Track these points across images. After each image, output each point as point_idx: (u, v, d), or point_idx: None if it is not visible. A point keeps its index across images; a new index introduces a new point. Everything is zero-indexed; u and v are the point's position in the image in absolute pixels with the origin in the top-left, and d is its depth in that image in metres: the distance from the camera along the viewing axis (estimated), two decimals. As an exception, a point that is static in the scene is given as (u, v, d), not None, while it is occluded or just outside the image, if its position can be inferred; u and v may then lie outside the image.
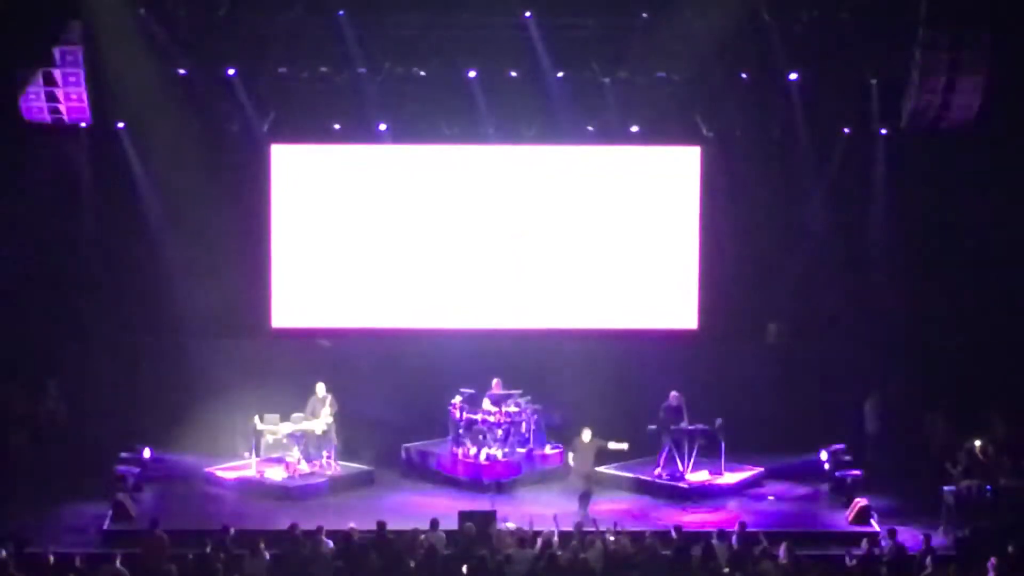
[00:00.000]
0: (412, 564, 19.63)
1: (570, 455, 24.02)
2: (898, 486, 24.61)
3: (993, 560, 19.11)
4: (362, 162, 27.32)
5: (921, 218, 26.88)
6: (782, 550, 19.86)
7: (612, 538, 20.45)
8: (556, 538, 20.31)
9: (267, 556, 19.85)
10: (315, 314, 27.40)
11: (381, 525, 20.52)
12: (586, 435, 23.68)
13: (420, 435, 26.39)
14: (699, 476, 24.87)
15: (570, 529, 20.92)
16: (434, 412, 26.08)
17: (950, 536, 22.26)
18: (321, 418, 25.04)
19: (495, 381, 25.62)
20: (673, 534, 20.68)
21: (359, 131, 26.97)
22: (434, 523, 20.87)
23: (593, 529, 20.86)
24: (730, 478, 25.09)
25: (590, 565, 19.56)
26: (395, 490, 24.89)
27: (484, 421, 25.17)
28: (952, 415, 25.75)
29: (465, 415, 25.28)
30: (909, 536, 21.10)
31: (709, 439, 24.93)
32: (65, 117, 24.72)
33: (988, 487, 22.91)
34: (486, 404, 25.35)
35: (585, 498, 23.23)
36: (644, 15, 25.27)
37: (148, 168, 26.70)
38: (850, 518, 23.14)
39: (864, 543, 20.62)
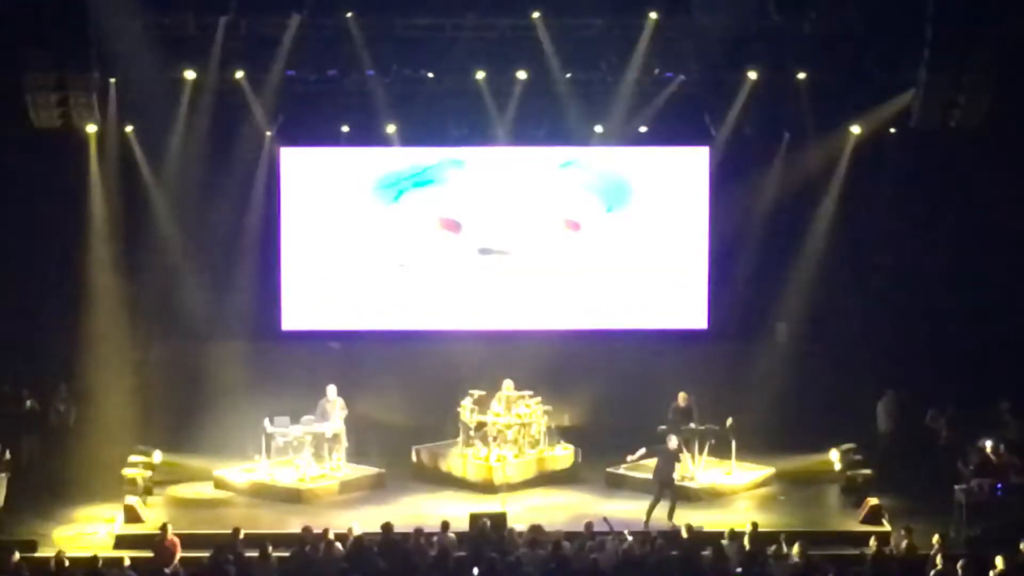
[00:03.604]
0: (423, 566, 19.63)
1: (639, 453, 23.94)
2: (909, 485, 24.56)
3: (999, 557, 19.11)
4: (371, 164, 27.33)
5: (930, 217, 26.82)
6: (794, 549, 19.84)
7: (630, 538, 20.45)
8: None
9: (274, 559, 19.84)
10: (325, 316, 27.43)
11: (387, 527, 20.53)
12: (672, 442, 23.48)
13: (430, 437, 26.37)
14: (710, 476, 24.83)
15: (580, 530, 20.92)
16: (444, 414, 26.06)
17: (962, 535, 22.23)
18: (331, 420, 25.05)
19: (506, 382, 25.61)
20: (684, 534, 20.69)
21: (368, 134, 26.99)
22: (445, 525, 20.87)
23: (604, 530, 20.84)
24: (741, 478, 25.05)
25: (601, 566, 19.56)
26: (405, 492, 24.86)
27: (494, 422, 25.13)
28: (963, 414, 25.70)
29: (475, 416, 25.27)
30: (921, 535, 21.02)
31: (719, 439, 24.91)
32: (74, 121, 24.71)
33: (999, 486, 22.86)
34: (496, 405, 25.34)
35: (673, 507, 23.01)
36: (652, 15, 25.24)
37: (157, 172, 26.73)
38: (861, 518, 23.10)
39: (872, 541, 20.59)
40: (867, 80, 25.83)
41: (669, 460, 23.31)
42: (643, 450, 24.06)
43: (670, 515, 22.77)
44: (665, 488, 23.14)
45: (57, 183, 26.21)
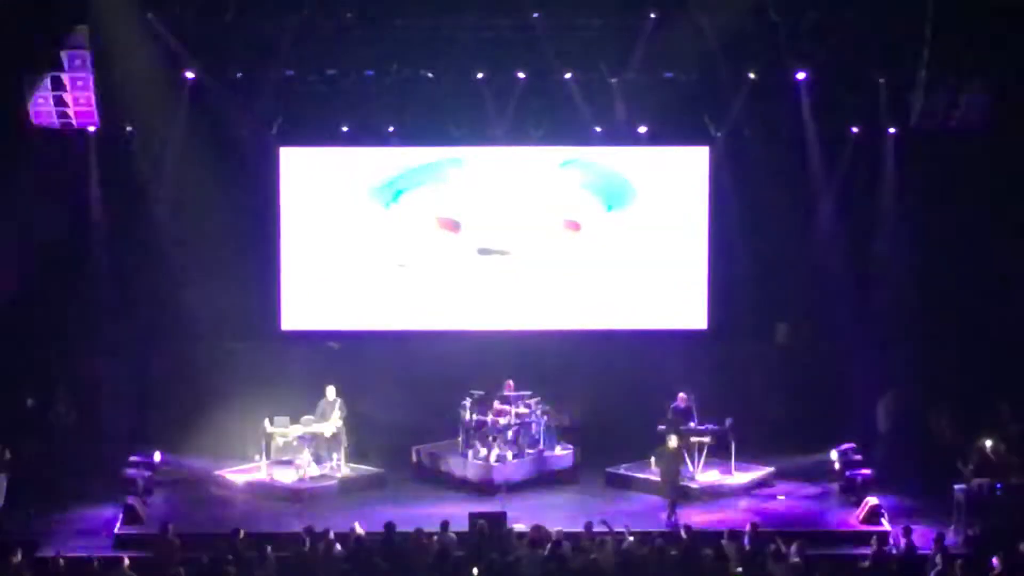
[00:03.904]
0: (422, 566, 19.63)
1: (652, 460, 23.89)
2: (909, 485, 24.56)
3: (996, 559, 19.11)
4: (370, 164, 27.32)
5: (930, 217, 26.81)
6: (793, 549, 19.84)
7: (630, 538, 20.44)
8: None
9: (274, 559, 19.85)
10: (325, 316, 27.42)
11: (389, 527, 20.53)
12: (673, 441, 23.52)
13: (430, 437, 26.37)
14: (709, 476, 24.83)
15: (580, 530, 20.92)
16: (444, 414, 26.05)
17: (961, 535, 22.23)
18: (331, 420, 25.07)
19: (507, 382, 25.63)
20: (683, 534, 20.70)
21: (367, 133, 26.98)
22: (444, 525, 20.87)
23: (604, 530, 20.85)
24: (740, 478, 25.06)
25: (601, 566, 19.56)
26: (405, 492, 24.87)
27: (494, 422, 25.16)
28: (963, 413, 25.70)
29: (475, 417, 25.28)
30: (920, 535, 21.04)
31: (719, 439, 24.92)
32: (73, 121, 24.70)
33: (999, 485, 22.86)
34: (496, 405, 25.35)
35: (674, 505, 23.04)
36: (652, 15, 25.25)
37: (157, 172, 26.72)
38: (860, 517, 23.10)
39: (873, 541, 20.61)
40: (866, 80, 25.85)
41: (673, 460, 23.31)
42: (653, 459, 24.12)
43: (670, 515, 22.79)
44: (672, 488, 23.14)
45: (57, 183, 26.20)
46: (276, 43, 25.29)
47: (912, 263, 27.02)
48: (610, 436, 26.28)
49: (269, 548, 19.98)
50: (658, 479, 23.84)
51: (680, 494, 23.41)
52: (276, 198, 27.14)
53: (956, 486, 23.03)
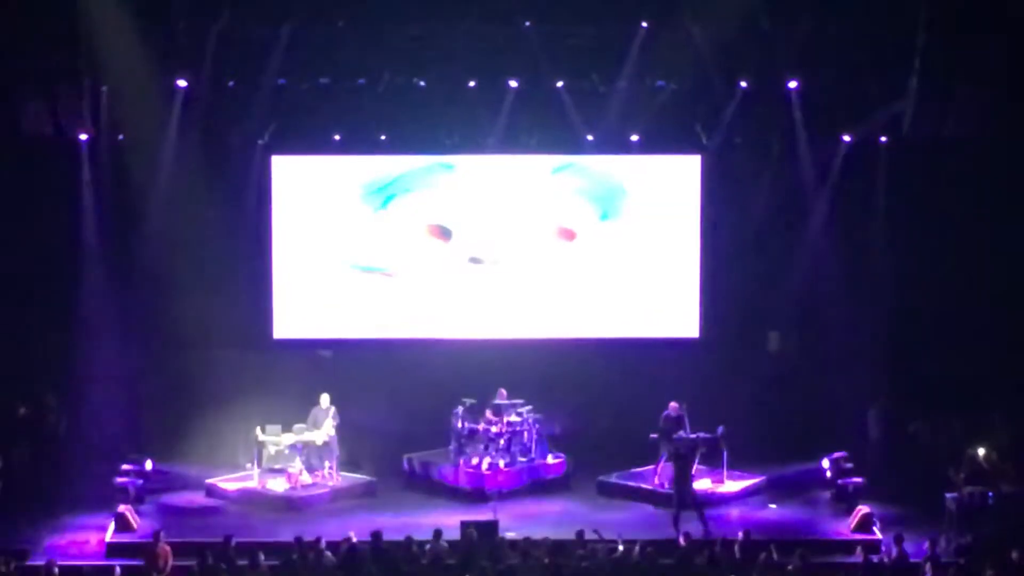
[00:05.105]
0: (414, 575, 19.63)
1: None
2: (900, 493, 24.57)
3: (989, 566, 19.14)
4: (362, 173, 27.30)
5: (922, 226, 26.84)
6: (795, 558, 19.83)
7: (621, 547, 20.45)
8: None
9: (265, 567, 19.83)
10: (317, 325, 27.39)
11: (376, 535, 20.51)
12: (673, 450, 23.57)
13: (422, 445, 26.36)
14: (701, 484, 24.81)
15: (572, 538, 20.91)
16: (436, 422, 26.05)
17: (953, 543, 22.22)
18: (323, 429, 25.05)
19: (500, 391, 25.62)
20: (682, 542, 20.69)
21: (359, 142, 26.97)
22: (437, 533, 20.87)
23: (596, 538, 20.84)
24: (732, 486, 25.06)
25: (592, 575, 19.55)
26: (397, 500, 24.87)
27: (486, 431, 25.16)
28: (954, 422, 25.72)
29: (467, 425, 25.27)
30: (912, 543, 21.05)
31: (711, 447, 24.91)
32: (65, 130, 24.69)
33: (991, 494, 22.88)
34: (488, 414, 25.36)
35: (678, 517, 22.98)
36: (644, 24, 25.28)
37: (149, 180, 26.67)
38: (852, 526, 23.10)
39: (859, 550, 20.63)
40: (858, 88, 25.86)
41: (680, 468, 23.30)
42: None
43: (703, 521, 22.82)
44: (683, 496, 23.15)
45: (49, 192, 26.18)
46: (268, 51, 25.29)
47: (904, 271, 27.04)
48: (602, 445, 26.29)
49: (261, 555, 19.94)
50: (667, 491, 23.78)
51: (684, 506, 23.27)
52: (268, 206, 27.12)
53: (948, 494, 23.06)
